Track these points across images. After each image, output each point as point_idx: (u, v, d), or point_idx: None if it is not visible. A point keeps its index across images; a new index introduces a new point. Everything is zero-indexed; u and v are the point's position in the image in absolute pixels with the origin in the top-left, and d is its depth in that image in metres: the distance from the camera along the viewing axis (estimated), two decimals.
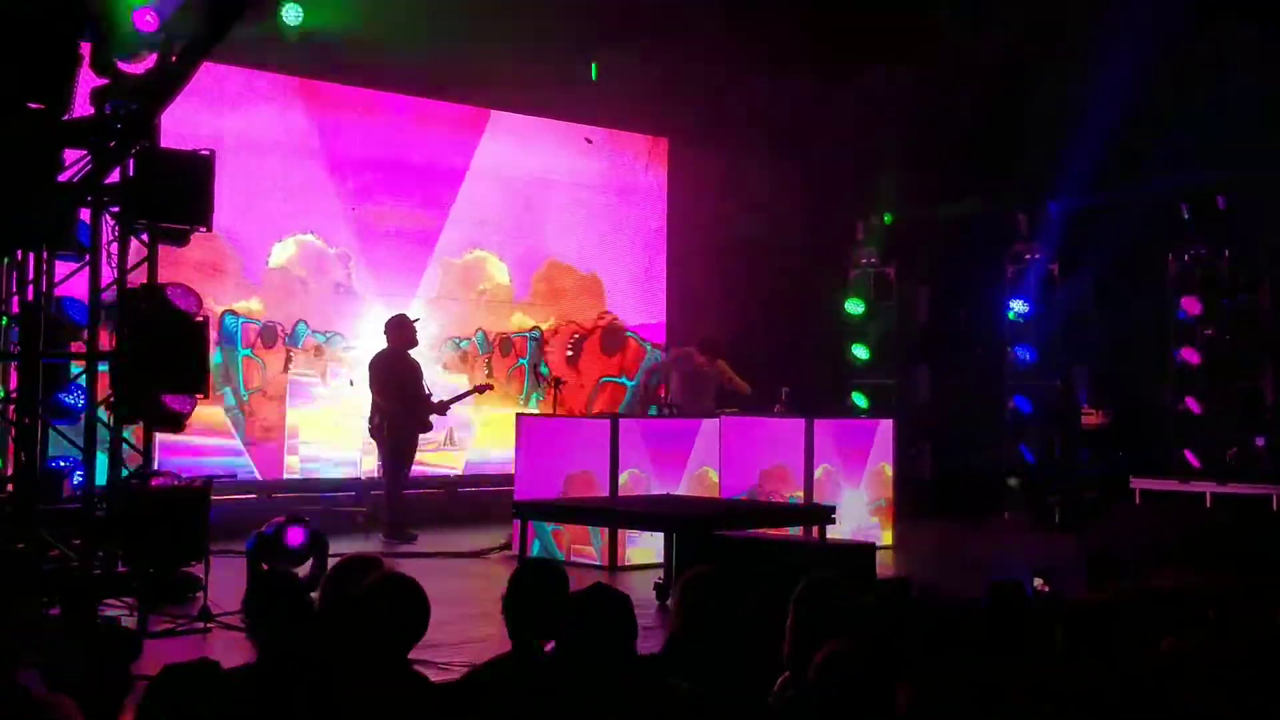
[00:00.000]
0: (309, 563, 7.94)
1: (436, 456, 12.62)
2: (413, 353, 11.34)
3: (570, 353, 14.09)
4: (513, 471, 10.75)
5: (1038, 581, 7.54)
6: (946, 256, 14.18)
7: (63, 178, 7.12)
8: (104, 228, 7.34)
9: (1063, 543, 11.25)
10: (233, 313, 11.66)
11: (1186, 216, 13.32)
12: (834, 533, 8.56)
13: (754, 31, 12.19)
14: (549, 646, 4.50)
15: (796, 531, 9.14)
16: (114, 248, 7.39)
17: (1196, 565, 8.50)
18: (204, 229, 7.70)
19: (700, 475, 10.37)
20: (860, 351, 14.20)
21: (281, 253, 12.11)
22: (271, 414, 11.98)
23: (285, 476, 11.86)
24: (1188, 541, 9.35)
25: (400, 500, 11.13)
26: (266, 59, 11.51)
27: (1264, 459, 12.58)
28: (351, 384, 12.01)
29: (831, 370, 14.11)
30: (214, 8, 6.93)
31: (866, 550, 8.41)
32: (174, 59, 7.18)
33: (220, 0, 6.97)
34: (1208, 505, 12.05)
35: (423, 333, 11.70)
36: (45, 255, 7.24)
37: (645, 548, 9.64)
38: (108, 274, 7.40)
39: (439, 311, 12.90)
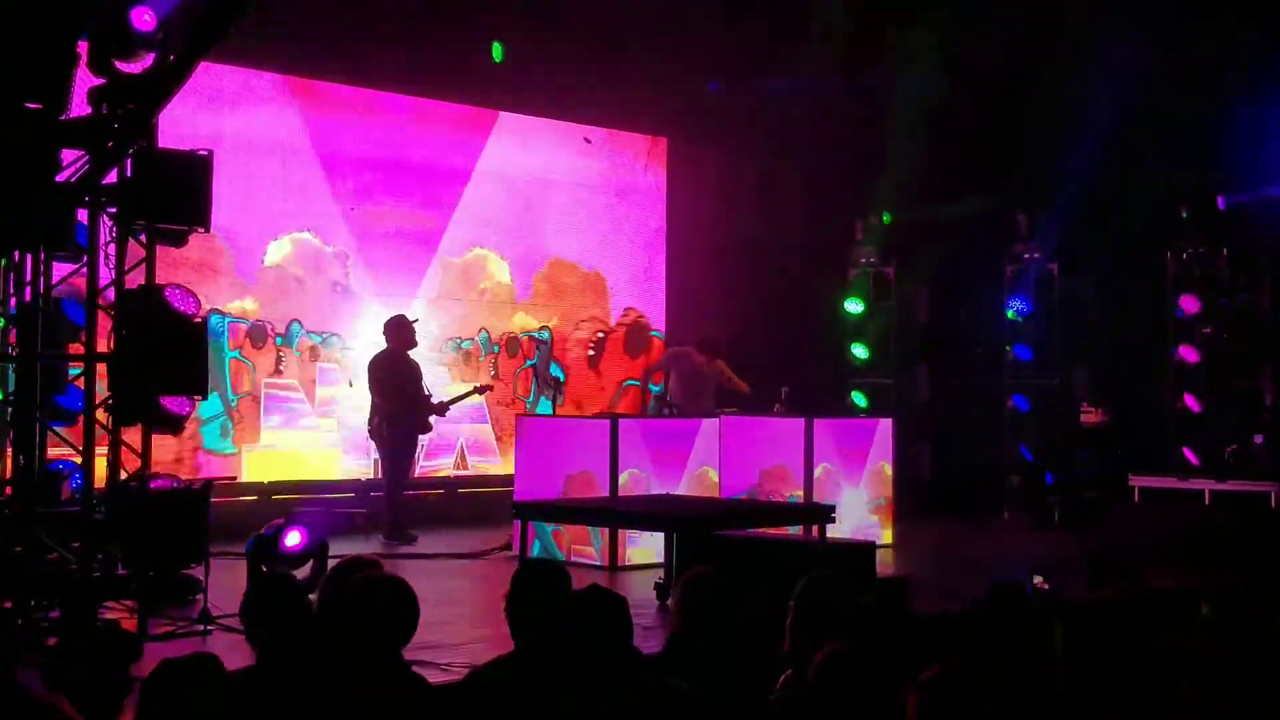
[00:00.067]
0: (309, 565, 7.93)
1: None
2: (413, 353, 11.33)
3: (592, 352, 14.05)
4: (513, 472, 10.74)
5: (1037, 580, 7.54)
6: (946, 256, 14.16)
7: (60, 178, 7.12)
8: (101, 228, 7.33)
9: (1062, 542, 11.24)
10: (219, 312, 11.36)
11: (1185, 216, 13.31)
12: (834, 532, 8.55)
13: (754, 31, 12.19)
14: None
15: (796, 531, 9.13)
16: (112, 248, 7.37)
17: (1196, 565, 8.50)
18: (202, 229, 7.69)
19: (700, 475, 10.36)
20: (860, 351, 14.19)
21: (277, 251, 11.99)
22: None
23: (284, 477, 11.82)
24: (1187, 541, 9.35)
25: (400, 501, 11.12)
26: (263, 59, 11.48)
27: (1263, 457, 12.58)
28: (351, 385, 11.98)
29: (831, 370, 14.10)
30: (213, 7, 6.92)
31: (866, 549, 8.41)
32: (172, 59, 7.17)
33: (219, 0, 6.96)
34: (1206, 503, 12.05)
35: (423, 333, 11.68)
36: (43, 256, 7.23)
37: (645, 548, 9.63)
38: (105, 275, 7.39)
39: (440, 311, 12.86)
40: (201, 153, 7.64)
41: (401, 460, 11.14)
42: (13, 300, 7.47)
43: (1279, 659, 4.09)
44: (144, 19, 7.20)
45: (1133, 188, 13.08)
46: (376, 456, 11.57)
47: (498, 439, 13.04)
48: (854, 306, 14.20)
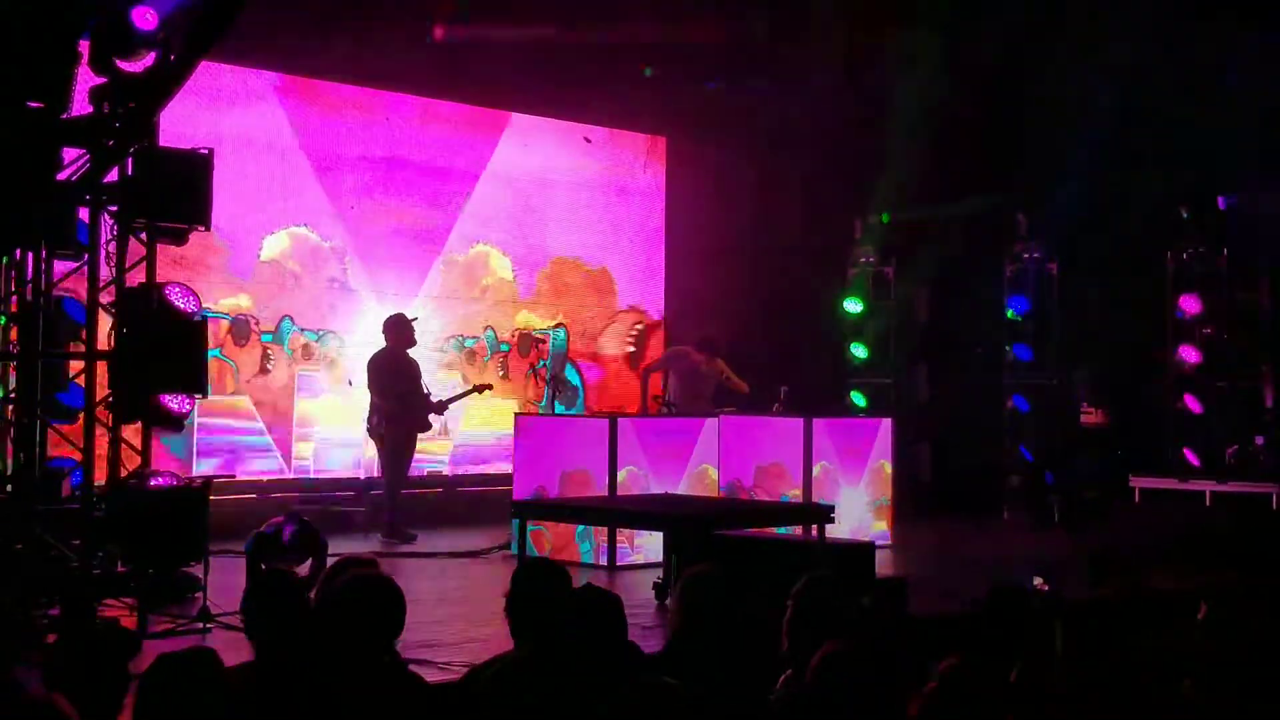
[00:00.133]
0: (308, 563, 7.94)
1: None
2: (415, 352, 11.33)
3: (632, 348, 13.98)
4: (512, 471, 10.74)
5: (1038, 580, 7.54)
6: (945, 256, 14.16)
7: (61, 176, 7.12)
8: (102, 227, 7.33)
9: (1062, 542, 11.25)
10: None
11: (1185, 215, 13.31)
12: (833, 532, 8.55)
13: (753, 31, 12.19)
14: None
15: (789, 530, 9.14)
16: (112, 247, 7.38)
17: (1196, 565, 8.50)
18: (202, 228, 7.70)
19: (700, 474, 10.37)
20: (859, 350, 14.19)
21: (273, 246, 11.88)
22: (262, 416, 11.75)
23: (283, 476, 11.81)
24: (1187, 541, 9.35)
25: (399, 500, 11.12)
26: (263, 58, 11.48)
27: (1263, 457, 12.58)
28: (350, 384, 11.96)
29: (830, 369, 14.10)
30: (213, 6, 6.92)
31: (866, 549, 8.41)
32: (173, 58, 7.17)
33: None
34: (1207, 504, 12.04)
35: (425, 331, 11.66)
36: (44, 254, 7.23)
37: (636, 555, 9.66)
38: (106, 273, 7.39)
39: (443, 310, 12.83)
40: (202, 151, 7.64)
41: (401, 459, 11.14)
42: (14, 299, 7.45)
43: (1279, 659, 4.10)
44: (145, 18, 7.21)
45: (1133, 188, 13.08)
46: (377, 457, 11.55)
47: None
48: (853, 306, 14.19)
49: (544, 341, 13.64)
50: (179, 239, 7.78)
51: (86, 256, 7.35)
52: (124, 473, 7.44)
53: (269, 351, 11.80)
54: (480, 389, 11.88)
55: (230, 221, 11.11)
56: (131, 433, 7.53)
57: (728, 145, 13.86)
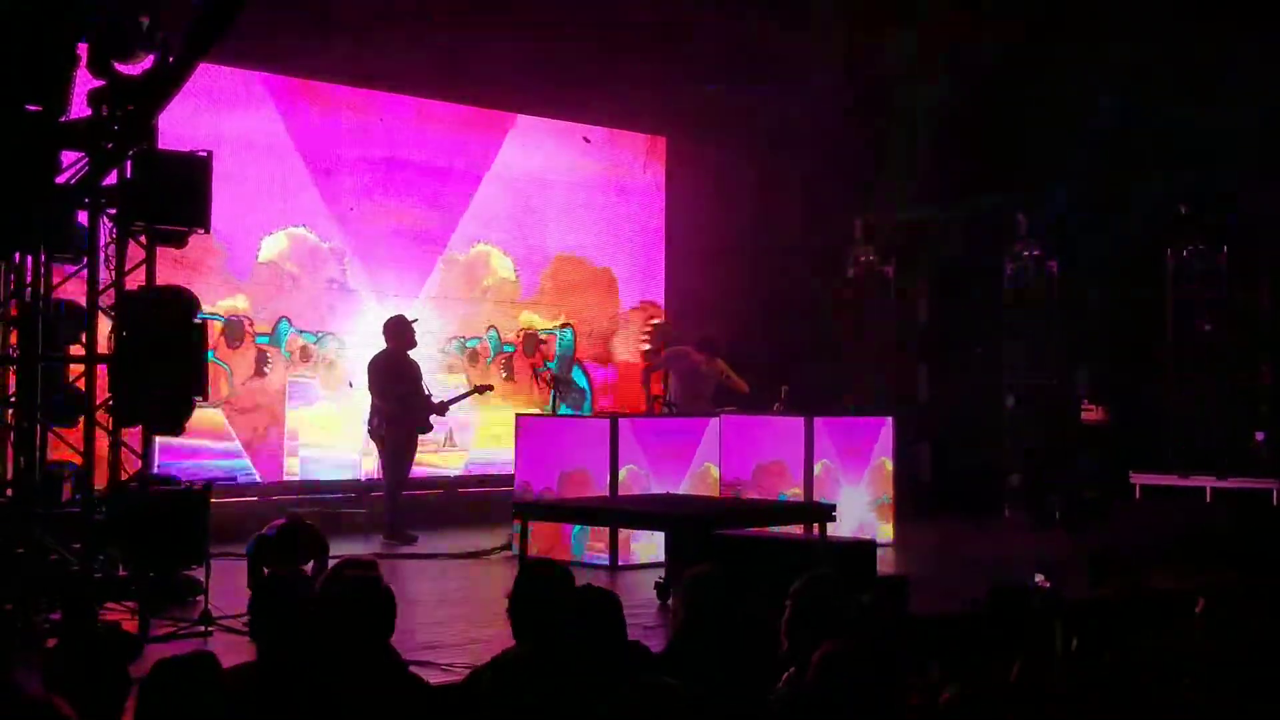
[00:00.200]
0: (309, 565, 7.93)
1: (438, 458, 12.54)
2: (416, 353, 11.32)
3: (647, 345, 13.96)
4: (513, 471, 10.74)
5: (1039, 578, 7.54)
6: (945, 254, 14.16)
7: (60, 180, 7.12)
8: (101, 230, 7.33)
9: (1063, 541, 11.24)
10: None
11: (1184, 212, 13.32)
12: (834, 531, 8.55)
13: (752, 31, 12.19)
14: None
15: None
16: (112, 250, 7.38)
17: (1196, 564, 8.50)
18: (202, 230, 7.70)
19: (703, 473, 10.37)
20: (859, 349, 14.18)
21: (272, 247, 11.77)
22: (253, 424, 11.56)
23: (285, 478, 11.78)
24: (1188, 540, 9.34)
25: (400, 501, 11.12)
26: (263, 59, 11.47)
27: (1263, 454, 12.58)
28: (351, 385, 11.94)
29: (830, 369, 14.09)
30: (211, 8, 6.92)
31: (867, 549, 8.41)
32: (171, 60, 7.17)
33: (218, 1, 6.96)
34: (1207, 500, 12.04)
35: (427, 333, 11.63)
36: (43, 258, 7.23)
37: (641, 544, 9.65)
38: (106, 276, 7.39)
39: (444, 311, 12.79)
40: (201, 154, 7.65)
41: (401, 460, 11.14)
42: (13, 302, 7.46)
43: (1279, 659, 4.10)
44: (144, 20, 7.20)
45: (1133, 186, 13.08)
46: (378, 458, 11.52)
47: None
48: (853, 305, 14.17)
49: (547, 342, 13.60)
50: (178, 242, 7.77)
51: (86, 260, 7.34)
52: (124, 475, 7.44)
53: (266, 354, 11.69)
54: (480, 390, 11.87)
55: (228, 223, 10.98)
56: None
57: (727, 145, 13.85)
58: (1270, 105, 12.06)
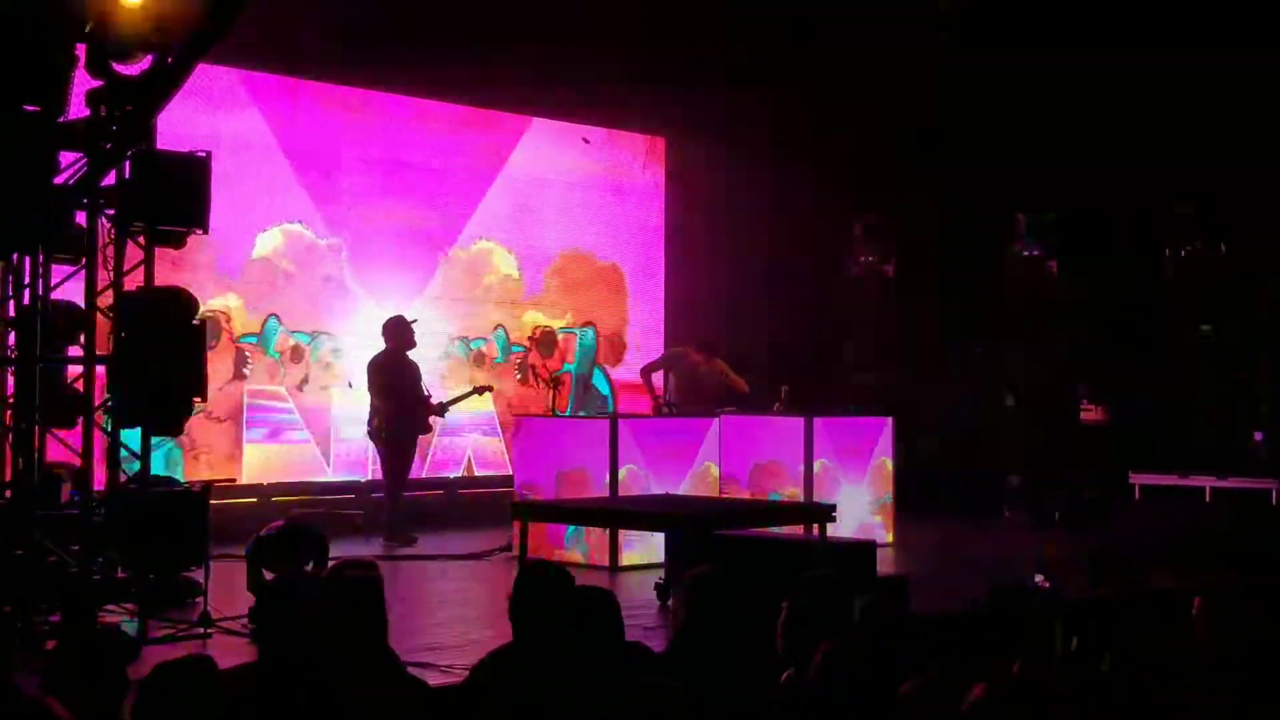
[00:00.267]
0: (309, 566, 7.92)
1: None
2: (420, 354, 11.29)
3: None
4: (513, 472, 10.73)
5: (1039, 577, 7.53)
6: (944, 254, 14.16)
7: (58, 180, 7.11)
8: (100, 230, 7.32)
9: (1063, 541, 11.22)
10: None
11: (1183, 211, 13.33)
12: (834, 531, 8.55)
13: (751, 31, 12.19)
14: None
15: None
16: (110, 250, 7.37)
17: (1196, 564, 8.49)
18: (201, 231, 7.69)
19: (703, 473, 10.37)
20: (859, 350, 14.18)
21: (266, 243, 11.61)
22: (224, 444, 11.30)
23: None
24: (1188, 540, 9.34)
25: (400, 503, 11.11)
26: (261, 59, 11.45)
27: (1263, 454, 12.58)
28: (351, 386, 11.91)
29: (830, 369, 14.10)
30: (211, 8, 6.91)
31: (867, 549, 8.40)
32: (169, 60, 7.16)
33: (217, 1, 6.95)
34: (1207, 500, 12.05)
35: (429, 333, 11.60)
36: (41, 258, 7.22)
37: (638, 550, 9.64)
38: (104, 277, 7.38)
39: (446, 310, 12.73)
40: (200, 154, 7.63)
41: (401, 462, 11.13)
42: (11, 303, 7.45)
43: (1279, 659, 4.10)
44: (142, 21, 7.19)
45: (1131, 184, 13.08)
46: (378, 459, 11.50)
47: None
48: (853, 304, 14.17)
49: (565, 342, 13.43)
50: (177, 242, 7.76)
51: (84, 260, 7.33)
52: (123, 477, 7.43)
53: (246, 354, 11.50)
54: (480, 390, 11.85)
55: (219, 219, 10.78)
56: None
57: (726, 146, 13.85)
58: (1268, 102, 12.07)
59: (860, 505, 10.71)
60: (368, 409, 11.19)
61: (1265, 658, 4.11)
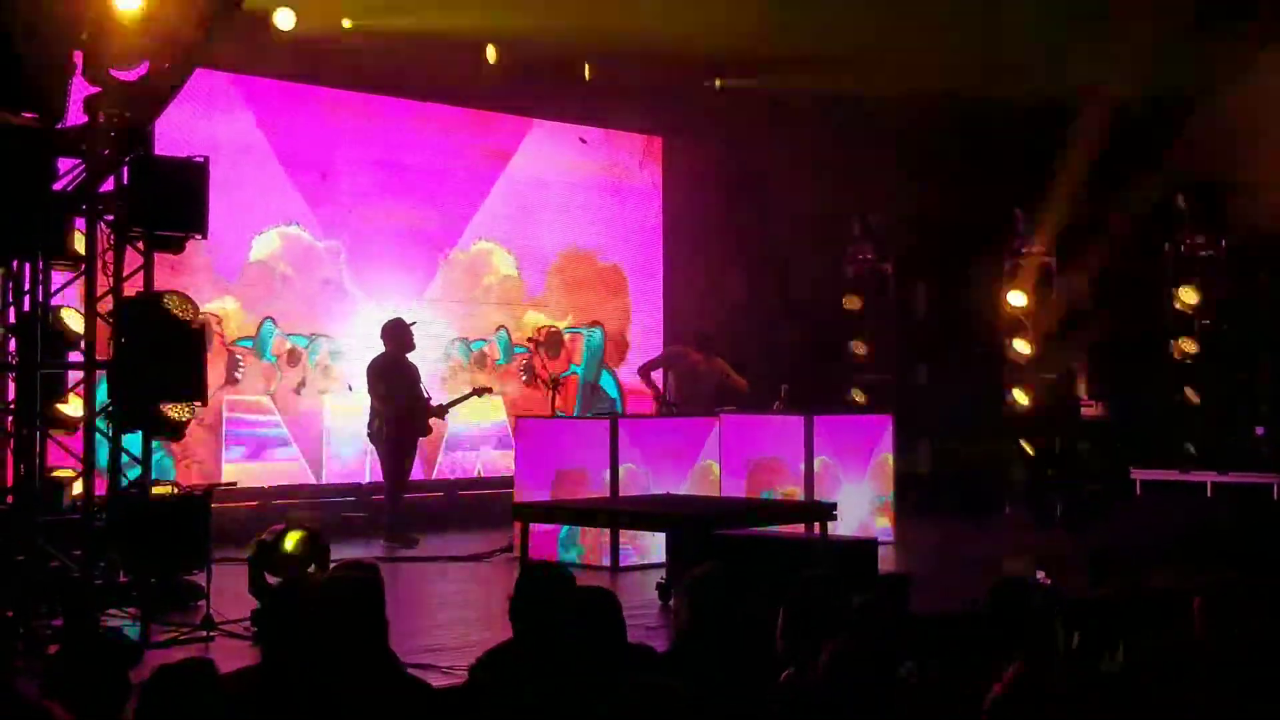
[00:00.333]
0: (311, 568, 7.93)
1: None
2: (422, 357, 11.29)
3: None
4: (513, 473, 10.74)
5: (1039, 574, 7.54)
6: (944, 252, 14.16)
7: (57, 187, 7.12)
8: (99, 237, 7.33)
9: (1064, 539, 11.24)
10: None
11: (1183, 206, 13.32)
12: (835, 529, 8.55)
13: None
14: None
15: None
16: (109, 256, 7.37)
17: (1197, 563, 8.49)
18: (199, 236, 7.70)
19: (704, 471, 10.37)
20: (858, 348, 14.19)
21: (263, 246, 11.56)
22: (204, 453, 11.05)
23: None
24: (1189, 538, 9.33)
25: (400, 504, 11.12)
26: (259, 62, 11.45)
27: (1264, 448, 12.59)
28: (351, 389, 11.91)
29: (830, 367, 14.10)
30: (207, 14, 6.92)
31: (868, 547, 8.41)
32: (167, 66, 7.16)
33: (212, 5, 6.96)
34: (1208, 495, 12.05)
35: (430, 335, 11.58)
36: (41, 265, 7.23)
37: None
38: (104, 283, 7.38)
39: (447, 311, 12.71)
40: (198, 159, 7.64)
41: (401, 463, 11.13)
42: (11, 310, 7.45)
43: (1279, 659, 4.10)
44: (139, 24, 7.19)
45: (1131, 179, 13.08)
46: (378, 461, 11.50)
47: None
48: (852, 303, 14.17)
49: (561, 343, 13.38)
50: (176, 248, 7.76)
51: (84, 266, 7.34)
52: (124, 481, 7.44)
53: (239, 358, 11.44)
54: (479, 392, 11.85)
55: (218, 223, 10.77)
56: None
57: (724, 145, 13.85)
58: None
59: (861, 504, 10.71)
60: (367, 412, 11.19)
61: (1266, 657, 4.11)
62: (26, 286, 7.21)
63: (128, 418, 7.32)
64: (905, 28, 11.61)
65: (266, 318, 11.60)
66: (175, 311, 7.28)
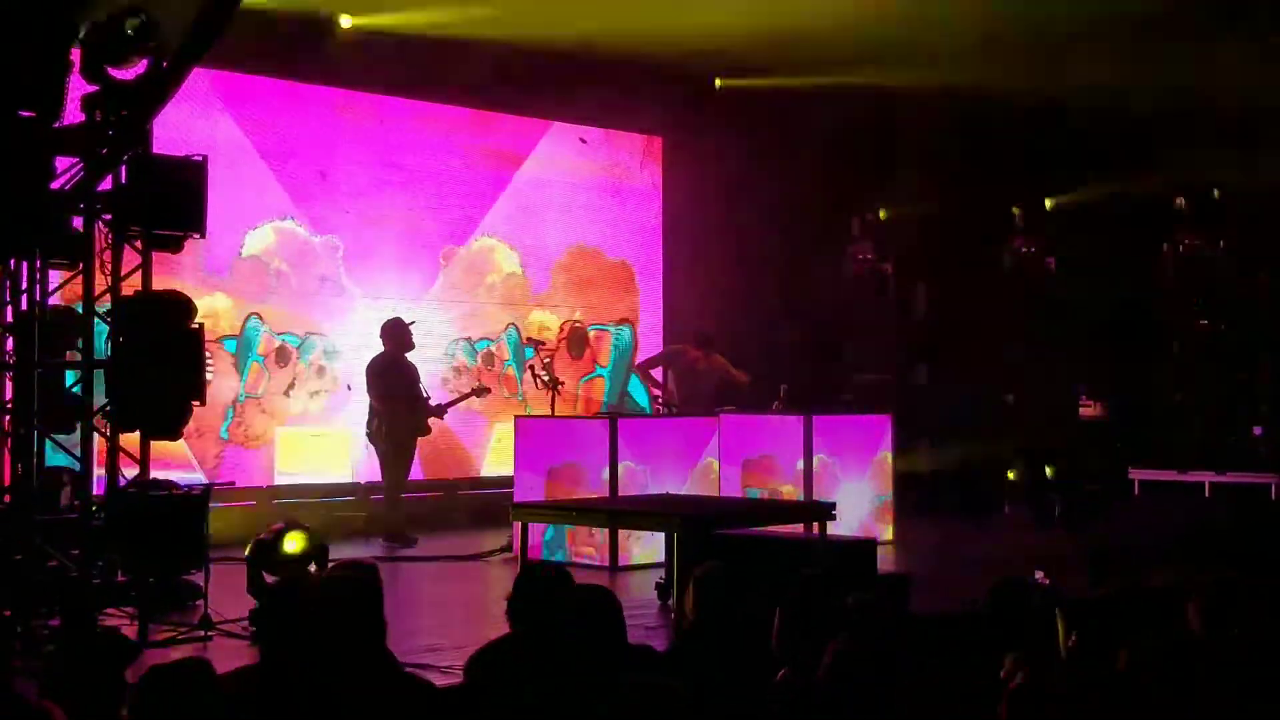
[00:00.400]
0: (310, 568, 7.92)
1: None
2: (417, 356, 11.27)
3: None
4: (512, 473, 10.73)
5: (1039, 574, 7.54)
6: (943, 251, 14.17)
7: (55, 185, 7.11)
8: (97, 235, 7.32)
9: (1064, 538, 11.24)
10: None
11: (1182, 206, 13.33)
12: (834, 529, 8.55)
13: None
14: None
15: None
16: (107, 255, 7.36)
17: (1197, 563, 8.49)
18: (198, 235, 7.69)
19: (704, 470, 10.36)
20: (857, 348, 14.18)
21: (257, 241, 11.38)
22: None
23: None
24: (1188, 538, 9.34)
25: (399, 504, 11.11)
26: (256, 61, 11.43)
27: (1262, 448, 12.59)
28: (349, 388, 11.88)
29: (829, 367, 14.10)
30: (205, 11, 6.90)
31: (867, 547, 8.40)
32: (165, 64, 7.15)
33: (212, 3, 6.94)
34: (1206, 495, 12.05)
35: (433, 334, 11.56)
36: (39, 264, 7.22)
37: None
38: (101, 281, 7.37)
39: (449, 310, 12.70)
40: (196, 158, 7.63)
41: (400, 463, 11.12)
42: (9, 308, 7.44)
43: (1279, 659, 4.09)
44: (137, 24, 7.18)
45: (1130, 179, 13.09)
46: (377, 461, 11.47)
47: None
48: (852, 303, 14.18)
49: (586, 341, 13.28)
50: (174, 246, 7.75)
51: (82, 265, 7.33)
52: (122, 481, 7.43)
53: (209, 358, 11.04)
54: (479, 392, 11.82)
55: (212, 219, 10.52)
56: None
57: (724, 145, 13.84)
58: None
59: (860, 503, 10.70)
60: (367, 411, 11.17)
61: (1265, 656, 4.10)
62: (24, 285, 7.20)
63: (126, 417, 7.31)
64: (905, 27, 11.60)
65: (252, 314, 11.34)
66: (173, 311, 7.27)
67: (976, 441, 13.75)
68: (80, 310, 7.33)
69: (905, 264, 14.21)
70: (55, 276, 7.47)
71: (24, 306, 7.20)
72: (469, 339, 12.87)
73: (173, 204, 7.47)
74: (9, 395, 7.39)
